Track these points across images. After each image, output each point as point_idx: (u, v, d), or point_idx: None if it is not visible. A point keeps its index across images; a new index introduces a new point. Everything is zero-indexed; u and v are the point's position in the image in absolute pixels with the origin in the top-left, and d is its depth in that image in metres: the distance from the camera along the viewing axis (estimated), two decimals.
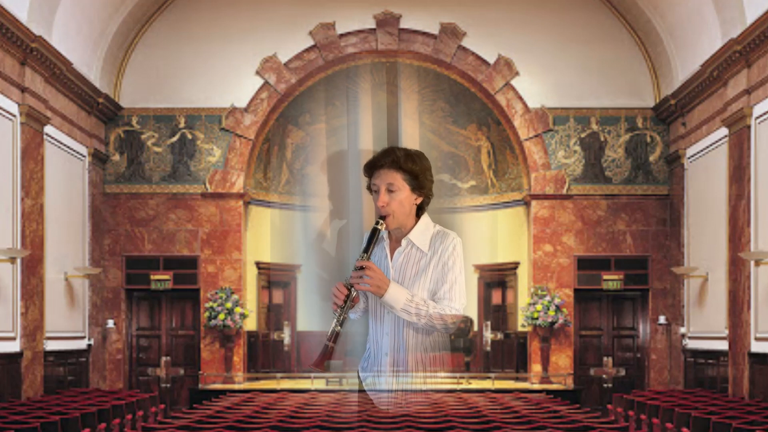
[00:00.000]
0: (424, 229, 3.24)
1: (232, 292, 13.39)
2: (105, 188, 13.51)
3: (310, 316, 14.70)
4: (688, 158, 12.80)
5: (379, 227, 3.13)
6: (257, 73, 13.70)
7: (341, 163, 14.59)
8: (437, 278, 3.20)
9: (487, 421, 6.81)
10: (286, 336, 14.01)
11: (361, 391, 3.44)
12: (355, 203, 14.07)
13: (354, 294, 3.09)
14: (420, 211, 3.25)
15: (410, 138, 14.45)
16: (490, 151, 14.55)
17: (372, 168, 3.18)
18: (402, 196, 3.15)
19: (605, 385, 12.73)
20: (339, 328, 3.08)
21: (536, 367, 13.47)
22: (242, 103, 13.70)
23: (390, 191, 3.14)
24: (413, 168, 3.14)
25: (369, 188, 3.22)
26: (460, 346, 13.52)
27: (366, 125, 14.44)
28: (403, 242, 3.24)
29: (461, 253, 3.21)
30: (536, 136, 13.69)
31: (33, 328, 10.57)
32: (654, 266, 13.59)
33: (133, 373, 13.79)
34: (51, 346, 11.18)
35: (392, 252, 3.27)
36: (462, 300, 3.19)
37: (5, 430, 6.53)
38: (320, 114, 14.56)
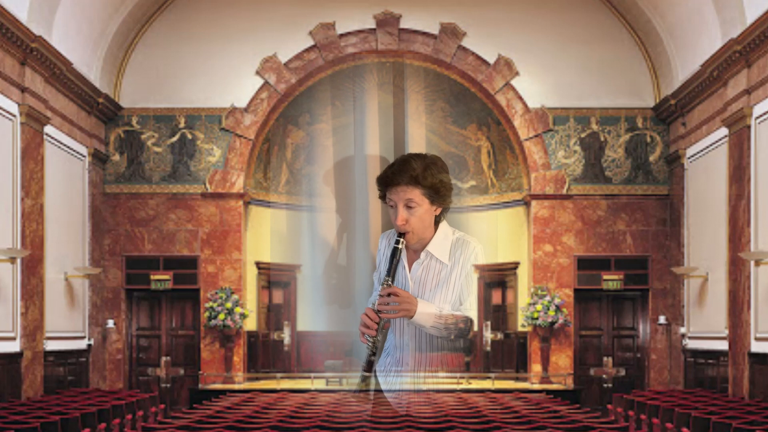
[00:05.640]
0: (443, 239, 3.08)
1: (232, 292, 13.39)
2: (105, 188, 13.51)
3: (310, 316, 14.69)
4: (688, 158, 12.80)
5: (400, 246, 2.95)
6: (257, 73, 13.70)
7: (345, 167, 14.56)
8: (461, 289, 3.07)
9: (487, 421, 6.81)
10: (286, 336, 14.00)
11: (378, 390, 3.34)
12: (361, 205, 14.08)
13: (384, 321, 2.91)
14: (438, 218, 3.08)
15: (412, 138, 14.43)
16: (490, 151, 14.55)
17: (388, 184, 2.96)
18: (422, 211, 2.96)
19: (605, 385, 12.73)
20: (374, 357, 2.92)
21: (536, 367, 13.47)
22: (242, 103, 13.70)
23: (409, 207, 2.94)
24: (433, 182, 2.93)
25: (382, 198, 3.02)
26: (460, 346, 13.49)
27: (366, 125, 14.43)
28: (422, 254, 3.08)
29: (482, 261, 3.10)
30: (536, 136, 13.69)
31: (33, 328, 10.57)
32: (654, 266, 13.59)
33: (133, 373, 13.78)
34: (51, 346, 11.18)
35: (410, 263, 3.11)
36: (475, 306, 3.12)
37: (5, 430, 6.53)
38: (320, 114, 14.56)
